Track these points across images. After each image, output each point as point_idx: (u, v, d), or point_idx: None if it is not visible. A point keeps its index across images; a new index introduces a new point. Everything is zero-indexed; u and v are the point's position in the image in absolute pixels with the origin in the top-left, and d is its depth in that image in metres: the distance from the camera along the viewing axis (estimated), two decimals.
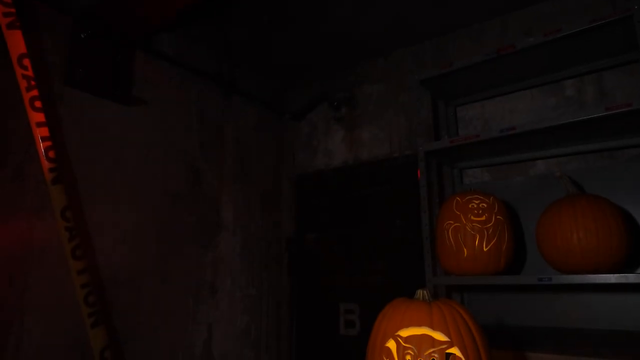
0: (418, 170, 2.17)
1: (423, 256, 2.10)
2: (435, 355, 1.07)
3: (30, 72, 1.74)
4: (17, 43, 1.72)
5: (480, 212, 1.89)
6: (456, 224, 1.90)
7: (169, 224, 2.39)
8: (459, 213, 1.92)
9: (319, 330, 2.94)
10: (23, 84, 1.73)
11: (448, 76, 2.19)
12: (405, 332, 1.12)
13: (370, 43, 2.87)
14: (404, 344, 1.10)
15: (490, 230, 1.85)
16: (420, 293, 1.26)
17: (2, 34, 1.72)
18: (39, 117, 1.75)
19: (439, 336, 1.09)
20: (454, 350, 1.07)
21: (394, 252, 2.71)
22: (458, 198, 1.97)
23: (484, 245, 1.84)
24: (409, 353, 1.08)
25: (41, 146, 1.75)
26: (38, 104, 1.75)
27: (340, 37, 2.78)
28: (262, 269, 3.02)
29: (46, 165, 1.75)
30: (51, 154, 1.76)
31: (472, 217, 1.88)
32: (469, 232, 1.87)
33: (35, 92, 1.75)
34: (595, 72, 2.16)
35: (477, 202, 1.92)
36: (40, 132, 1.75)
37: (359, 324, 2.78)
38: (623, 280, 1.54)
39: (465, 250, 1.87)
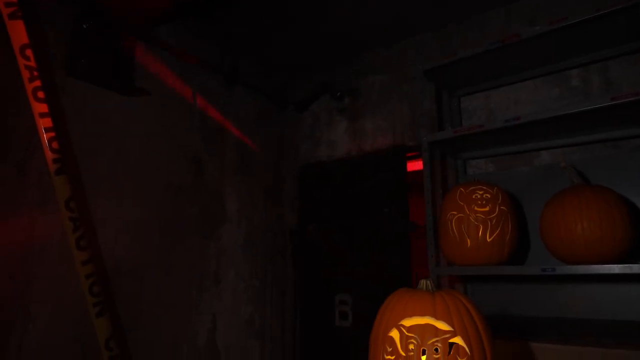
0: (421, 160, 2.16)
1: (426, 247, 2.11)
2: (438, 344, 1.07)
3: (32, 63, 1.73)
4: (19, 33, 1.72)
5: (484, 202, 1.88)
6: (460, 215, 1.89)
7: (172, 215, 2.40)
8: (462, 204, 1.91)
9: (321, 321, 2.96)
10: (25, 74, 1.72)
11: (452, 66, 2.17)
12: (408, 322, 1.12)
13: (370, 41, 2.89)
14: (407, 334, 1.10)
15: (494, 221, 1.85)
16: (423, 283, 1.26)
17: (4, 25, 1.71)
18: (42, 107, 1.75)
19: (442, 326, 1.09)
20: (457, 340, 1.08)
21: (395, 244, 2.72)
22: (462, 189, 1.97)
23: (488, 236, 1.84)
24: (412, 342, 1.09)
25: (44, 137, 1.75)
26: (41, 94, 1.75)
27: (340, 36, 2.79)
28: (265, 261, 3.03)
29: (50, 155, 1.75)
30: (55, 144, 1.76)
31: (475, 208, 1.87)
32: (473, 222, 1.86)
33: (38, 83, 1.74)
34: (600, 61, 2.13)
35: (480, 192, 1.91)
36: (44, 123, 1.75)
37: (351, 315, 2.80)
38: (627, 271, 1.53)
39: (468, 240, 1.86)
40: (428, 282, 1.25)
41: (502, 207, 1.88)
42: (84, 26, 2.04)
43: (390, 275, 2.68)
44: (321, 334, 2.94)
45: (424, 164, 2.15)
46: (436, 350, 1.07)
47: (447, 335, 1.08)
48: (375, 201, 2.84)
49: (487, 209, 1.87)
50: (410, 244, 2.67)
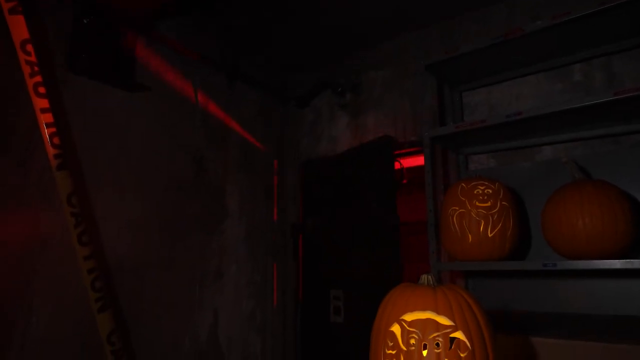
0: (423, 155, 2.16)
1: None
2: (440, 339, 1.07)
3: (33, 58, 1.73)
4: (19, 28, 1.71)
5: (486, 198, 1.88)
6: (461, 210, 1.89)
7: (174, 212, 2.40)
8: (464, 199, 1.91)
9: (318, 316, 2.96)
10: (26, 69, 1.72)
11: (454, 61, 2.16)
12: (409, 317, 1.12)
13: (370, 35, 2.87)
14: (408, 328, 1.10)
15: (495, 216, 1.84)
16: (424, 278, 1.26)
17: (4, 20, 1.71)
18: (43, 103, 1.75)
19: (444, 320, 1.09)
20: (458, 335, 1.08)
21: (385, 239, 2.72)
22: (463, 184, 1.96)
23: (489, 231, 1.83)
24: (413, 337, 1.09)
25: (45, 132, 1.75)
26: (42, 89, 1.74)
27: (341, 29, 2.78)
28: (266, 256, 3.03)
29: (51, 151, 1.75)
30: (56, 140, 1.76)
31: (477, 203, 1.87)
32: (474, 218, 1.86)
33: (39, 78, 1.74)
34: (603, 56, 2.12)
35: (482, 188, 1.91)
36: (45, 118, 1.75)
37: (343, 311, 2.81)
38: (628, 266, 1.53)
39: (470, 236, 1.86)
40: (429, 277, 1.25)
41: (503, 203, 1.88)
42: (85, 21, 2.03)
43: (381, 270, 2.66)
44: (318, 330, 2.95)
45: (426, 159, 2.14)
46: (437, 345, 1.07)
47: (449, 330, 1.08)
48: (365, 193, 2.83)
49: (488, 204, 1.86)
50: (399, 237, 2.65)
